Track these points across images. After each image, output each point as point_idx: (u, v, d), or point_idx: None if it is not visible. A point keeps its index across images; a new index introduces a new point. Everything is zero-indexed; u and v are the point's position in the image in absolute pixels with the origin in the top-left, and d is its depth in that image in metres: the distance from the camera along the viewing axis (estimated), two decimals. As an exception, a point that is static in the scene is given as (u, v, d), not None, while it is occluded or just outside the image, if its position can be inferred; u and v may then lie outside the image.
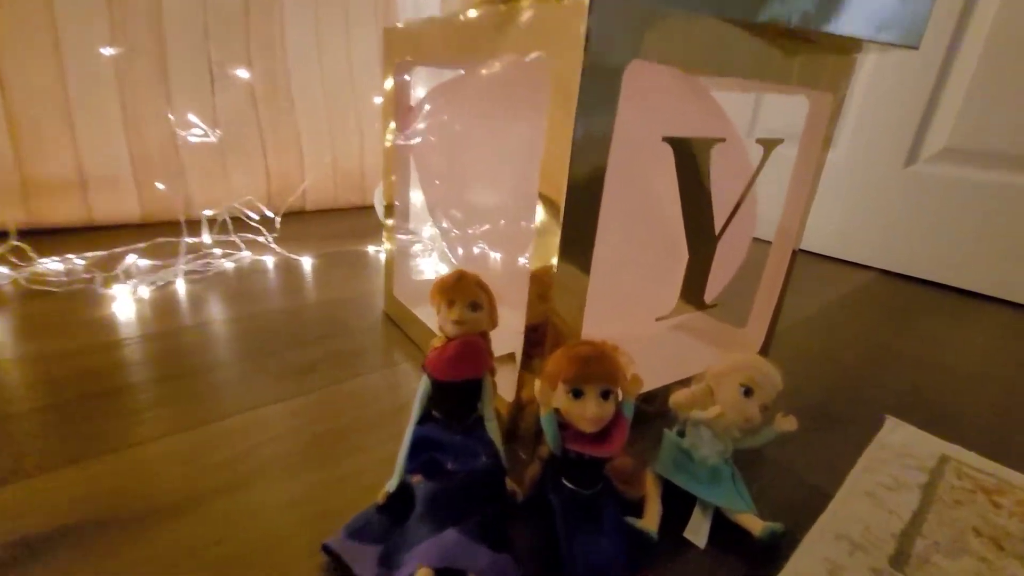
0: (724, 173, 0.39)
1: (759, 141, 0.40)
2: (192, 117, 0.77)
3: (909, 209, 0.94)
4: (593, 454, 0.30)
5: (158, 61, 0.82)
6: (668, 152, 0.36)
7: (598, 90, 0.30)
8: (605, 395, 0.30)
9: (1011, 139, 0.82)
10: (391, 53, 0.53)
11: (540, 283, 0.36)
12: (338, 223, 1.00)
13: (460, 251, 0.52)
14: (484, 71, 0.46)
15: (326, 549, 0.28)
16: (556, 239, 0.33)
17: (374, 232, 0.95)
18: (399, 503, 0.31)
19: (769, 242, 0.50)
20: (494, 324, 0.38)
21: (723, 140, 0.37)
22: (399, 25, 0.51)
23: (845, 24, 0.35)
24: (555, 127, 0.31)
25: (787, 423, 0.35)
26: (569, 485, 0.31)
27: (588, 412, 0.29)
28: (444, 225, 0.52)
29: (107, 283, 0.62)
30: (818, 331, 0.68)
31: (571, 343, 0.32)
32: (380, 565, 0.27)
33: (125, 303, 0.59)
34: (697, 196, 0.38)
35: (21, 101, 0.74)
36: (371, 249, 0.85)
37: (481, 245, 0.48)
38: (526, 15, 0.33)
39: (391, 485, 0.32)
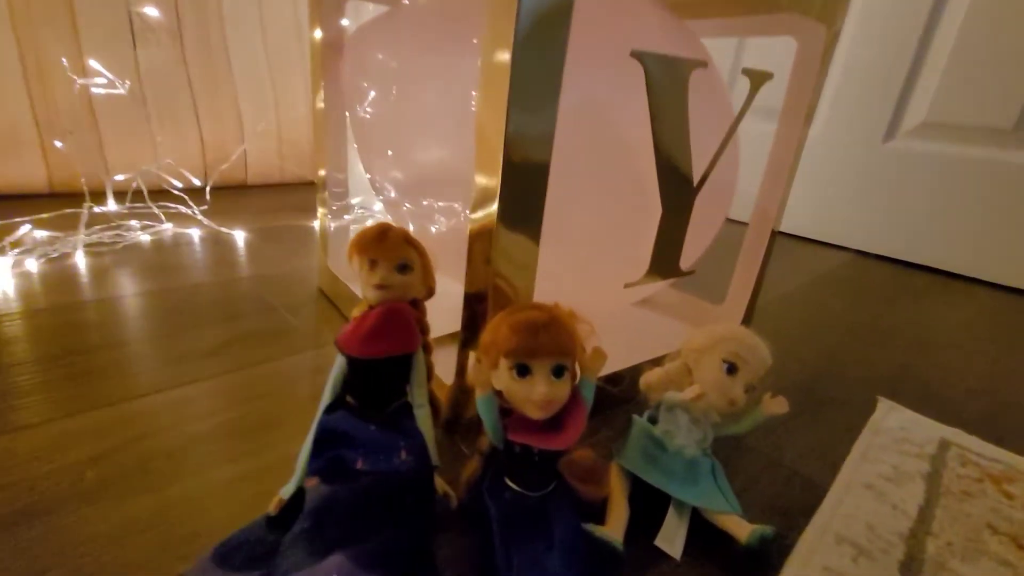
0: (703, 112, 0.33)
1: (745, 72, 0.34)
2: (94, 63, 0.66)
3: (887, 187, 0.90)
4: (543, 447, 0.24)
5: (65, 9, 0.72)
6: (637, 86, 0.29)
7: (542, 11, 0.23)
8: (558, 372, 0.24)
9: (989, 113, 0.79)
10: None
11: (482, 243, 0.29)
12: (282, 197, 0.91)
13: (389, 195, 0.45)
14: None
15: (182, 582, 0.21)
16: (496, 189, 0.26)
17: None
18: (293, 513, 0.24)
19: (747, 224, 0.45)
20: (430, 291, 0.31)
21: (704, 65, 0.30)
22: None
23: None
24: (490, 57, 0.25)
25: (776, 405, 0.30)
26: (513, 486, 0.25)
27: (536, 394, 0.23)
28: (383, 185, 0.45)
29: (-10, 255, 0.53)
30: (798, 309, 0.64)
31: (515, 306, 0.25)
32: (251, 601, 0.20)
33: (6, 276, 0.50)
34: (672, 135, 0.32)
35: None
36: (315, 224, 0.77)
37: (426, 205, 0.41)
38: None
39: (286, 491, 0.25)
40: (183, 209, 0.70)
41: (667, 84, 0.29)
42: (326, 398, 0.28)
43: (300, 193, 0.95)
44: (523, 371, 0.23)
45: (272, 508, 0.25)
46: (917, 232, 0.88)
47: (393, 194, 0.44)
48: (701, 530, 0.27)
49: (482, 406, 0.24)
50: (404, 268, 0.29)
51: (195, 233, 0.68)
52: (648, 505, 0.28)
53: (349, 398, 0.28)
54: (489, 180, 0.27)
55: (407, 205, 0.42)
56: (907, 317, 0.64)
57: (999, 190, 0.79)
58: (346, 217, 0.53)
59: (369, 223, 0.32)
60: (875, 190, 0.92)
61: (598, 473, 0.28)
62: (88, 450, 0.29)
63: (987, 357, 0.54)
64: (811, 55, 0.38)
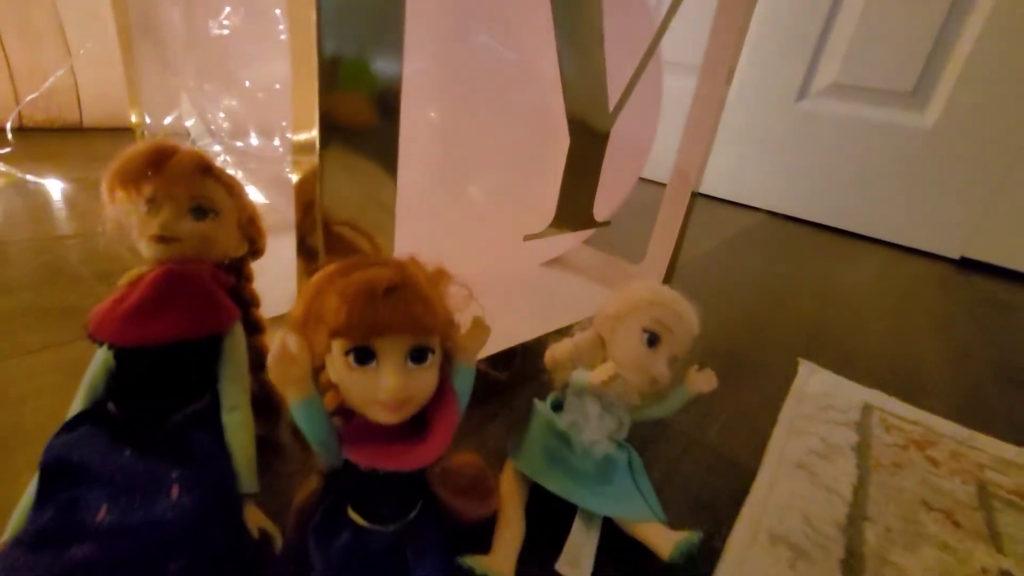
0: (616, 27, 0.26)
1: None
2: None
3: (797, 147, 0.90)
4: (395, 468, 0.17)
5: None
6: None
7: None
8: (417, 357, 0.16)
9: (893, 76, 0.80)
10: None
11: (306, 183, 0.20)
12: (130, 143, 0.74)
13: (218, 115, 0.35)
14: None
15: None
16: (314, 109, 0.18)
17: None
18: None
19: (665, 185, 0.39)
20: (255, 246, 0.23)
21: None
22: None
23: None
24: None
25: (704, 381, 0.24)
26: (358, 520, 0.17)
27: (384, 391, 0.16)
28: (217, 123, 0.34)
29: None
30: (715, 270, 0.61)
31: (350, 260, 0.17)
32: None
33: None
34: (582, 48, 0.24)
35: None
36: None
37: (272, 144, 0.31)
38: None
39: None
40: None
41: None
42: (75, 407, 0.19)
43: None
44: (364, 357, 0.16)
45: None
46: (823, 193, 0.90)
47: (230, 137, 0.33)
48: (614, 543, 0.21)
49: (301, 414, 0.16)
50: (202, 211, 0.20)
51: (-15, 183, 0.52)
52: (550, 515, 0.22)
53: (111, 405, 0.19)
54: (308, 95, 0.18)
55: (244, 143, 0.32)
56: (816, 277, 0.64)
57: (898, 152, 0.81)
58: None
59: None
60: (786, 151, 0.92)
61: (484, 484, 0.21)
62: None
63: (891, 315, 0.55)
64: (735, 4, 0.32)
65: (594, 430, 0.22)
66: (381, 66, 0.19)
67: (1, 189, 0.51)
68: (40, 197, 0.51)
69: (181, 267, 0.19)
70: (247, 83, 0.30)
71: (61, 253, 0.40)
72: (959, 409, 0.36)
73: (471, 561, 0.19)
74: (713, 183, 1.00)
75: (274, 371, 0.15)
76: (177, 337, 0.19)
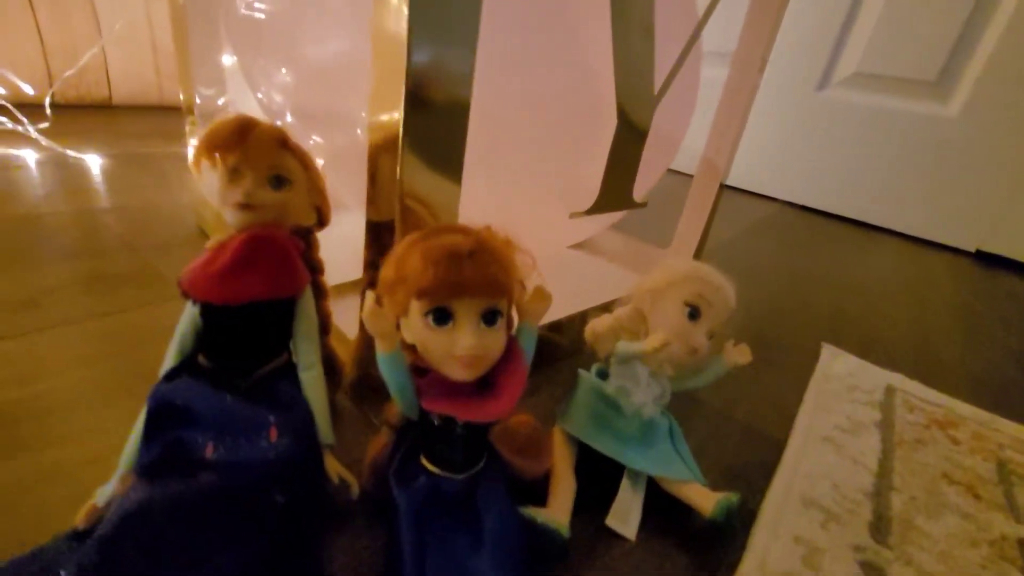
0: (663, 14, 0.27)
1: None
2: None
3: (816, 137, 0.91)
4: (470, 419, 0.18)
5: None
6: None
7: None
8: (490, 318, 0.18)
9: (915, 66, 0.80)
10: None
11: (388, 155, 0.22)
12: (158, 121, 0.75)
13: (263, 93, 0.36)
14: None
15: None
16: (400, 94, 0.19)
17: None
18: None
19: (692, 176, 0.40)
20: (322, 216, 0.24)
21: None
22: None
23: None
24: None
25: (740, 354, 0.26)
26: (431, 468, 0.19)
27: (461, 348, 0.17)
28: (271, 100, 0.35)
29: None
30: (740, 256, 0.62)
31: (431, 228, 0.18)
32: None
33: None
34: (634, 28, 0.25)
35: None
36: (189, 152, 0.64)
37: (325, 117, 0.32)
38: None
39: (102, 494, 0.17)
40: (15, 126, 0.54)
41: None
42: (169, 361, 0.20)
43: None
44: (442, 318, 0.17)
45: (80, 519, 0.17)
46: (841, 184, 0.90)
47: (288, 115, 0.34)
48: (658, 503, 0.23)
49: (386, 366, 0.18)
50: (280, 181, 0.21)
51: (30, 155, 0.53)
52: (598, 476, 0.23)
53: (202, 359, 0.20)
54: (391, 79, 0.19)
55: (292, 119, 0.33)
56: (834, 266, 0.65)
57: (920, 142, 0.81)
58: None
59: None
60: (805, 140, 0.92)
61: (539, 443, 0.22)
62: None
63: (910, 303, 0.56)
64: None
65: (642, 393, 0.23)
66: (459, 48, 0.20)
67: (42, 163, 0.52)
68: (78, 171, 0.52)
69: (264, 231, 0.20)
70: (303, 60, 0.31)
71: (101, 225, 0.42)
72: (979, 393, 0.37)
73: (532, 512, 0.20)
74: (733, 175, 1.00)
75: (370, 324, 0.17)
76: (260, 297, 0.20)
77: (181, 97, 0.40)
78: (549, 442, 0.24)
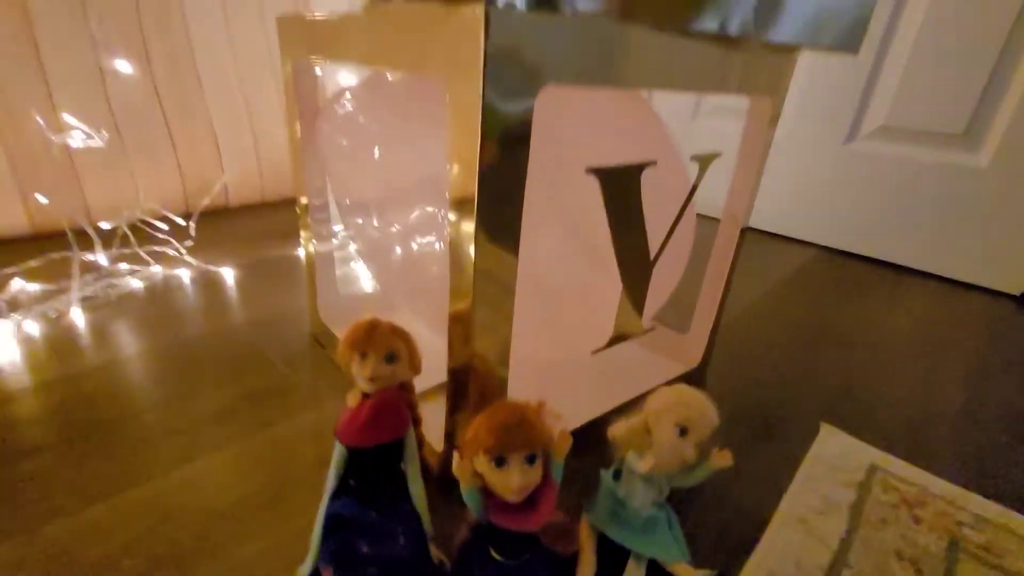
0: (658, 194, 0.36)
1: (694, 158, 0.37)
2: (68, 118, 0.67)
3: (848, 186, 0.95)
4: (521, 528, 0.28)
5: (29, 48, 0.71)
6: (594, 183, 0.33)
7: (504, 123, 0.26)
8: (530, 460, 0.28)
9: (942, 119, 0.83)
10: (287, 47, 0.46)
11: (460, 324, 0.33)
12: (266, 220, 0.93)
13: (374, 256, 0.48)
14: (389, 76, 0.41)
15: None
16: (470, 281, 0.30)
17: (306, 229, 0.88)
18: (313, 591, 0.29)
19: (715, 219, 0.47)
20: (416, 371, 0.35)
21: (654, 164, 0.34)
22: (301, 16, 0.45)
23: (784, 31, 0.32)
24: (459, 164, 0.28)
25: (722, 459, 0.34)
26: (496, 557, 0.29)
27: (512, 483, 0.27)
28: (354, 223, 0.48)
29: (-11, 317, 0.55)
30: (758, 321, 0.69)
31: (491, 408, 0.29)
32: None
33: (10, 344, 0.52)
34: (629, 223, 0.35)
35: None
36: (301, 252, 0.79)
37: (397, 249, 0.44)
38: (424, 26, 0.28)
39: (304, 569, 0.29)
40: (169, 250, 0.72)
41: (621, 185, 0.33)
42: (330, 484, 0.32)
43: (283, 213, 0.97)
44: (500, 462, 0.28)
45: (292, 587, 0.29)
46: (875, 229, 0.93)
47: (365, 234, 0.47)
48: (657, 574, 0.32)
49: (467, 497, 0.28)
50: (392, 358, 0.33)
51: (184, 274, 0.70)
52: (612, 555, 0.33)
53: (352, 481, 0.32)
54: (464, 271, 0.30)
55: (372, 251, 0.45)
56: (858, 321, 0.70)
57: (953, 190, 0.84)
58: (333, 242, 0.55)
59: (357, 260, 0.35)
60: (838, 189, 0.96)
61: (570, 531, 0.33)
62: (119, 539, 0.33)
63: (926, 361, 0.60)
64: (760, 118, 0.41)
65: (639, 500, 0.33)
66: (510, 220, 0.30)
67: (194, 280, 0.69)
68: (218, 285, 0.68)
69: (384, 397, 0.32)
70: (376, 171, 0.43)
71: (241, 340, 0.56)
72: (967, 465, 0.43)
73: (564, 583, 0.30)
74: (766, 219, 1.05)
75: (456, 472, 0.28)
76: (383, 441, 0.31)
77: (303, 200, 0.52)
78: (577, 530, 0.33)
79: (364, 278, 0.70)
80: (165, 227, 0.72)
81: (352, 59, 0.37)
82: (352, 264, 0.73)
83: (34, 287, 0.61)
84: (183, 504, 0.36)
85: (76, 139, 0.68)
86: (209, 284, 0.68)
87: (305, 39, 0.44)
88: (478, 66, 0.24)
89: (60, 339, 0.54)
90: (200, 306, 0.63)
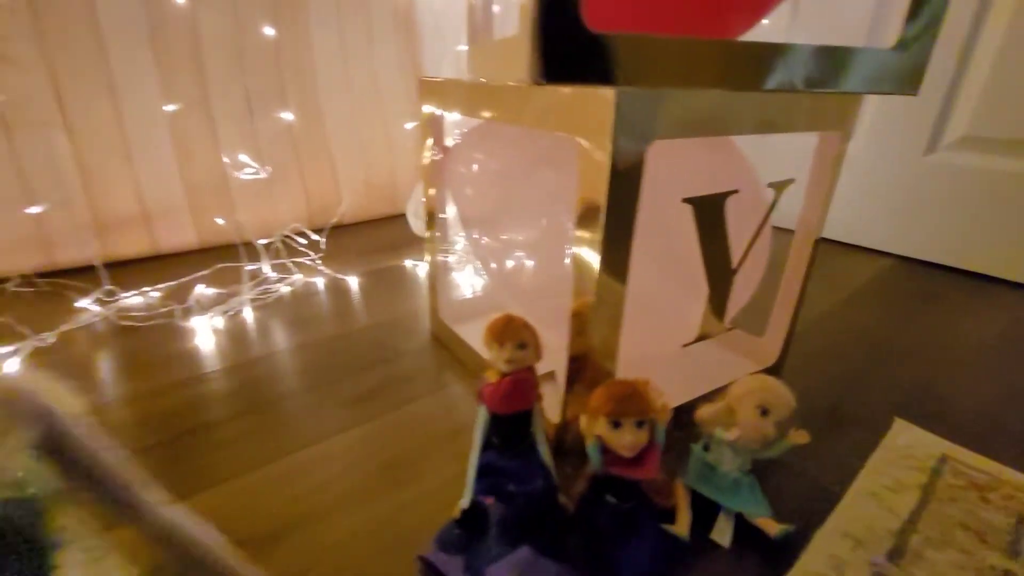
0: (740, 214, 0.44)
1: (770, 185, 0.44)
2: (243, 157, 0.83)
3: (928, 196, 0.95)
4: (632, 476, 0.36)
5: (201, 95, 0.88)
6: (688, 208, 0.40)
7: (624, 170, 0.35)
8: (639, 425, 0.36)
9: (1029, 125, 0.83)
10: (424, 99, 0.57)
11: (579, 320, 0.42)
12: (374, 235, 1.07)
13: (493, 264, 0.58)
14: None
15: (422, 560, 0.35)
16: (593, 288, 0.38)
17: (408, 244, 1.01)
18: (471, 518, 0.38)
19: (790, 231, 0.52)
20: (539, 358, 0.44)
21: (736, 192, 0.41)
22: (431, 78, 0.56)
23: (846, 83, 0.39)
24: (586, 200, 0.37)
25: (799, 437, 0.40)
26: (612, 500, 0.38)
27: (626, 441, 0.35)
28: (477, 239, 0.58)
29: (185, 315, 0.70)
30: (833, 327, 0.72)
31: (609, 382, 0.38)
32: (465, 572, 0.34)
33: (204, 335, 0.67)
34: (715, 240, 0.43)
35: (86, 145, 0.81)
36: (408, 263, 0.91)
37: (514, 258, 0.54)
38: (554, 98, 0.37)
39: (464, 503, 0.39)
40: (307, 260, 0.86)
41: (709, 211, 0.40)
42: (478, 440, 0.41)
43: (386, 228, 1.10)
44: (616, 425, 0.36)
45: (456, 514, 0.39)
46: (957, 238, 0.93)
47: (486, 247, 0.57)
48: (743, 527, 0.39)
49: (590, 448, 0.37)
50: (523, 346, 0.42)
51: (319, 281, 0.83)
52: (704, 510, 0.40)
53: (493, 439, 0.41)
54: (587, 280, 0.39)
55: (493, 263, 0.55)
56: (936, 325, 0.72)
57: (1039, 200, 0.83)
58: (450, 258, 0.65)
59: (464, 268, 0.44)
60: (916, 200, 0.96)
61: (668, 488, 0.40)
62: (304, 484, 0.44)
63: (1003, 367, 0.62)
64: (828, 150, 0.47)
65: (728, 464, 0.40)
66: (624, 243, 0.38)
67: (327, 287, 0.82)
68: (346, 292, 0.81)
69: (520, 376, 0.41)
70: (507, 242, 0.53)
71: (378, 336, 0.68)
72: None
73: (667, 526, 0.38)
74: (842, 229, 1.07)
75: (583, 430, 0.36)
76: (520, 409, 0.41)
77: (436, 234, 0.63)
78: (674, 488, 0.41)
79: (474, 284, 0.80)
80: (303, 241, 0.86)
81: (483, 115, 0.47)
82: (463, 272, 0.84)
83: (211, 291, 0.76)
84: (362, 455, 0.47)
85: (246, 173, 0.84)
86: (339, 290, 0.81)
87: (438, 95, 0.55)
88: (608, 132, 0.33)
89: (236, 333, 0.68)
90: (335, 308, 0.76)
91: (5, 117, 0.73)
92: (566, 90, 0.36)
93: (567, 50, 0.32)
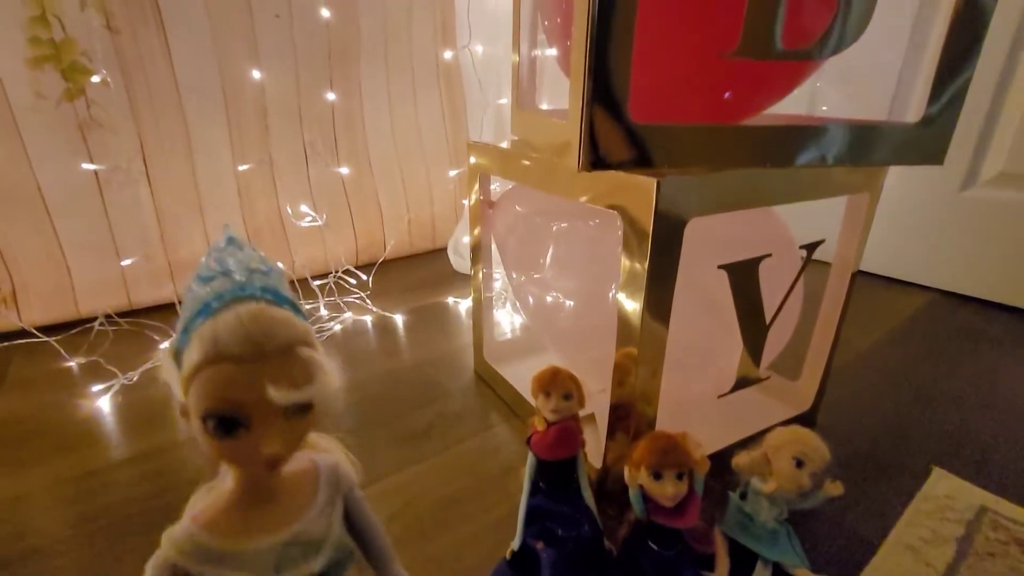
0: (774, 275, 0.46)
1: (802, 247, 0.47)
2: (304, 208, 0.90)
3: (967, 231, 0.95)
4: (674, 525, 0.39)
5: (263, 146, 0.97)
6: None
7: (664, 244, 0.38)
8: (680, 476, 0.39)
9: (1071, 163, 0.82)
10: (472, 157, 0.63)
11: (621, 371, 0.45)
12: (416, 271, 1.12)
13: (535, 313, 0.62)
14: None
15: (478, 598, 0.39)
16: (635, 341, 0.42)
17: (447, 280, 1.06)
18: (522, 560, 0.41)
19: (827, 263, 0.54)
20: (583, 406, 0.47)
21: (770, 255, 0.44)
22: (479, 143, 0.61)
23: (873, 156, 0.41)
24: (630, 265, 0.40)
25: (834, 488, 0.42)
26: (654, 547, 0.40)
27: (667, 491, 0.38)
28: (520, 287, 0.62)
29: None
30: (871, 367, 0.73)
31: (651, 435, 0.41)
32: (520, 612, 0.37)
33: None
34: (749, 299, 0.45)
35: (164, 197, 0.90)
36: (450, 300, 0.96)
37: (556, 308, 0.58)
38: (600, 179, 0.41)
39: (515, 544, 0.42)
40: (355, 300, 0.92)
41: (743, 274, 0.43)
42: (527, 485, 0.45)
43: (427, 264, 1.16)
44: (658, 476, 0.39)
45: (508, 555, 0.42)
46: (999, 273, 0.92)
47: (533, 313, 0.61)
48: (780, 576, 0.41)
49: (633, 498, 0.40)
50: (568, 396, 0.45)
51: (367, 320, 0.89)
52: (742, 558, 0.42)
53: (541, 483, 0.45)
54: (629, 338, 0.42)
55: (531, 299, 0.59)
56: (977, 366, 0.71)
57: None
58: (492, 297, 0.69)
59: (503, 306, 0.48)
60: (955, 234, 0.96)
61: (707, 536, 0.43)
62: (385, 511, 0.48)
63: (1052, 418, 0.61)
64: (858, 210, 0.50)
65: (764, 515, 0.42)
66: (664, 304, 0.42)
67: (374, 324, 0.88)
68: (392, 330, 0.86)
69: (566, 425, 0.44)
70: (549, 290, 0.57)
71: (428, 374, 0.72)
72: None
73: (707, 574, 0.40)
74: (881, 263, 1.06)
75: (627, 479, 0.39)
76: (565, 455, 0.44)
77: (480, 276, 0.68)
78: (713, 535, 0.43)
79: (515, 323, 0.84)
80: (352, 281, 0.93)
81: (528, 183, 0.51)
82: (505, 310, 0.88)
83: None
84: (417, 494, 0.51)
85: (305, 221, 0.91)
86: (386, 328, 0.87)
87: (484, 157, 0.60)
88: (650, 212, 0.36)
89: (296, 370, 0.74)
90: (383, 346, 0.81)
91: (99, 176, 0.82)
92: (610, 173, 0.40)
93: (614, 141, 0.36)
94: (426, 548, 0.45)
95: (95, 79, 0.76)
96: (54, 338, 0.76)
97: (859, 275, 0.53)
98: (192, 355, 0.20)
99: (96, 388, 0.67)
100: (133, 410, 0.65)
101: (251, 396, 0.20)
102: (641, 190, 0.37)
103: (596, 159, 0.37)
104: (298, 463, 0.26)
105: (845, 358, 0.75)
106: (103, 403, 0.66)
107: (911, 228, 1.01)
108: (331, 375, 0.22)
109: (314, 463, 0.27)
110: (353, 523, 0.28)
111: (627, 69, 0.36)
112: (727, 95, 0.41)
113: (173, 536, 0.22)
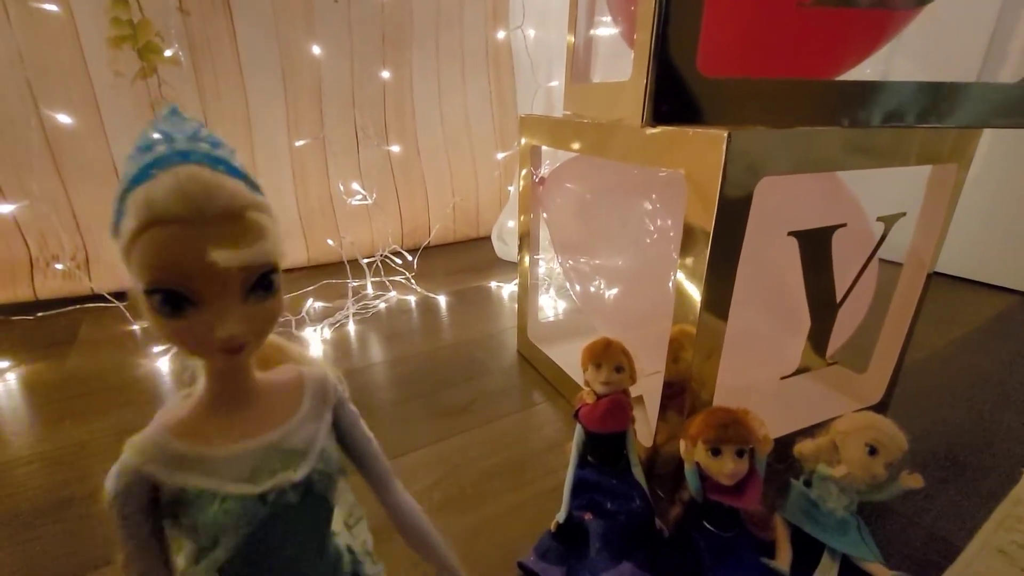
0: (846, 248, 0.43)
1: (880, 219, 0.43)
2: (356, 185, 0.92)
3: (1059, 228, 0.86)
4: (733, 504, 0.37)
5: (318, 126, 0.99)
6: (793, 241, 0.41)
7: (732, 205, 0.36)
8: (740, 453, 0.36)
9: None
10: (524, 133, 0.62)
11: (676, 347, 0.43)
12: (460, 256, 1.13)
13: (585, 289, 0.60)
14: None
15: (521, 566, 0.37)
16: (693, 316, 0.40)
17: (490, 265, 1.06)
18: (567, 531, 0.40)
19: (899, 264, 0.50)
20: (634, 381, 0.45)
21: (844, 225, 0.41)
22: (532, 115, 0.60)
23: (963, 117, 0.38)
24: (693, 231, 0.38)
25: (913, 480, 0.39)
26: (710, 528, 0.38)
27: (726, 468, 0.36)
28: (572, 265, 0.60)
29: (299, 326, 0.78)
30: (947, 367, 0.67)
31: (709, 409, 0.38)
32: (566, 583, 0.35)
33: (316, 345, 0.74)
34: (819, 273, 0.42)
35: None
36: (493, 284, 0.96)
37: (608, 285, 0.56)
38: (663, 137, 0.39)
39: (560, 517, 0.41)
40: (401, 279, 0.93)
41: (815, 244, 0.40)
42: (575, 457, 0.43)
43: (470, 251, 1.16)
44: (716, 452, 0.36)
45: (552, 527, 0.41)
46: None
47: (575, 271, 0.59)
48: (849, 570, 0.37)
49: (689, 475, 0.38)
50: (620, 369, 0.43)
51: (411, 300, 0.90)
52: (805, 548, 0.39)
53: (589, 457, 0.43)
54: (688, 311, 0.40)
55: (578, 286, 0.57)
56: (1075, 378, 0.64)
57: None
58: (538, 280, 0.68)
59: (547, 290, 0.46)
60: (1045, 232, 0.88)
61: (767, 521, 0.40)
62: (427, 480, 0.48)
63: None
64: (943, 183, 0.45)
65: (834, 502, 0.39)
66: (728, 273, 0.39)
67: (418, 304, 0.88)
68: (436, 310, 0.86)
69: (617, 398, 0.43)
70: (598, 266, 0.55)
71: (470, 352, 0.72)
72: None
73: (767, 560, 0.37)
74: (959, 263, 0.99)
75: (683, 455, 0.37)
76: (615, 429, 0.42)
77: (526, 262, 0.67)
78: (774, 521, 0.40)
79: (559, 306, 0.83)
80: (398, 261, 0.93)
81: (584, 150, 0.50)
82: (549, 294, 0.87)
83: (319, 305, 0.85)
84: (458, 464, 0.50)
85: (355, 199, 0.93)
86: (430, 307, 0.87)
87: (538, 131, 0.59)
88: (718, 169, 0.34)
89: (341, 344, 0.75)
90: (426, 325, 0.81)
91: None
92: (675, 129, 0.38)
93: (682, 94, 0.34)
94: (464, 518, 0.44)
95: (167, 53, 0.80)
96: (122, 303, 0.81)
97: (933, 276, 0.49)
98: (128, 222, 0.17)
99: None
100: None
101: (191, 260, 0.17)
102: (710, 144, 0.35)
103: (661, 113, 0.35)
104: (282, 373, 0.24)
105: (917, 356, 0.70)
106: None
107: (995, 226, 0.93)
108: (278, 239, 0.20)
109: (300, 373, 0.24)
110: (348, 443, 0.26)
111: (697, 18, 0.34)
112: (803, 52, 0.38)
113: (136, 442, 0.20)
